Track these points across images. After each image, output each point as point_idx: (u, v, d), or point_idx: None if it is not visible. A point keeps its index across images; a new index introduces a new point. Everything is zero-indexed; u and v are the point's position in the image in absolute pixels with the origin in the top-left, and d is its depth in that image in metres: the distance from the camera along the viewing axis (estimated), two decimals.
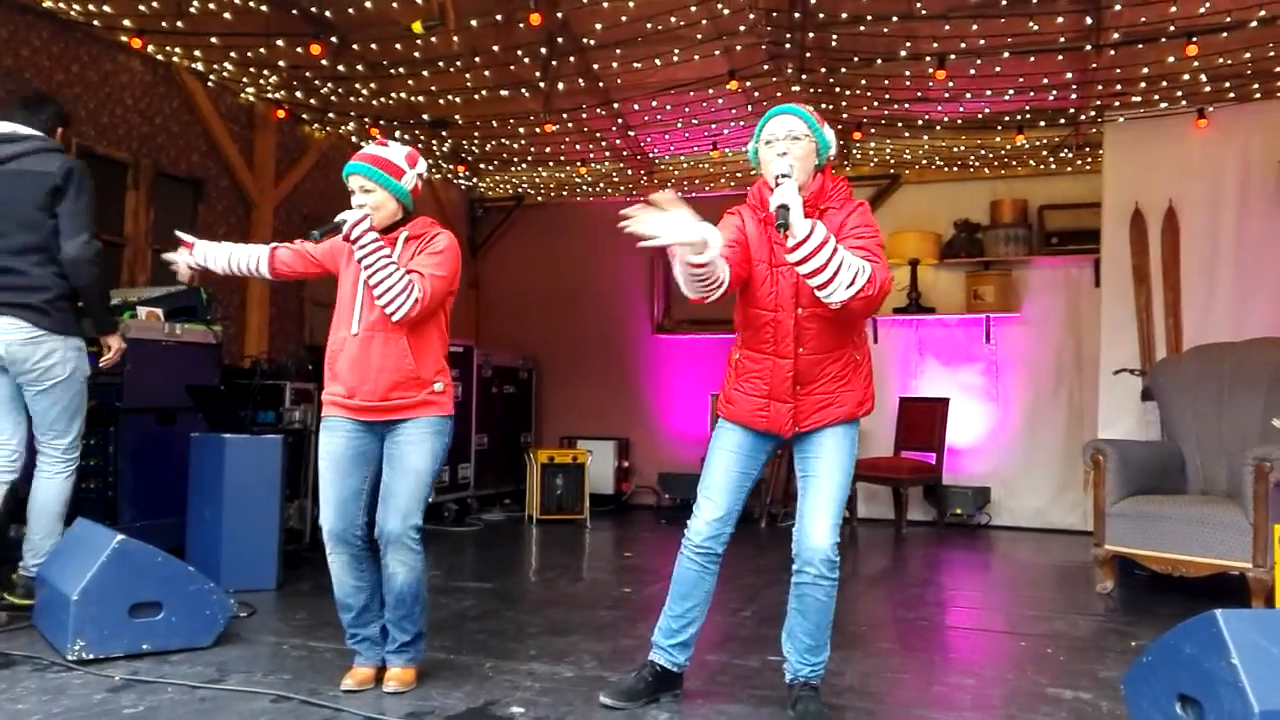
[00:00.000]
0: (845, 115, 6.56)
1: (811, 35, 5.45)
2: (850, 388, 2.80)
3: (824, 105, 6.37)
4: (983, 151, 7.04)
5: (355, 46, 5.66)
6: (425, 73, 5.94)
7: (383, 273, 2.84)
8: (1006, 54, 5.46)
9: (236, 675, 3.08)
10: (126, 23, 5.25)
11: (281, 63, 5.81)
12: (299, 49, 5.54)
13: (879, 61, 5.64)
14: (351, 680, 2.99)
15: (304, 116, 6.80)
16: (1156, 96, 5.88)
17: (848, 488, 2.78)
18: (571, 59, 5.91)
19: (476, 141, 7.32)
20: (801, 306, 2.72)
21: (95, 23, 5.25)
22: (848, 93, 6.14)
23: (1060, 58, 5.52)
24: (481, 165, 8.05)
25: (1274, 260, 5.71)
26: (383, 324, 2.92)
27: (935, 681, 3.25)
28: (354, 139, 7.17)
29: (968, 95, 6.03)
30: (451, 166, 7.99)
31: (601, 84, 6.27)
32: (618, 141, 7.19)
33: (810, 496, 2.76)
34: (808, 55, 5.67)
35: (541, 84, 6.13)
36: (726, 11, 5.27)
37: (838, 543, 2.72)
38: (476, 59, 5.78)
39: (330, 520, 2.95)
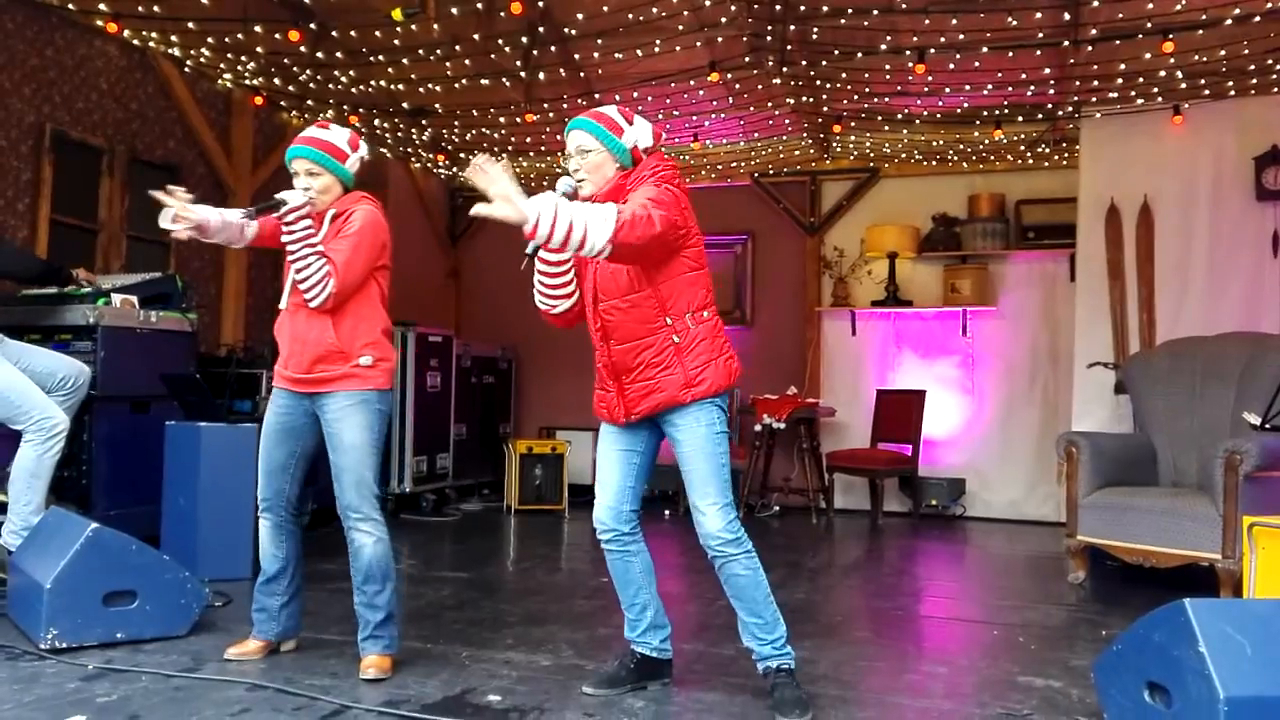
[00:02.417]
0: (825, 108, 6.58)
1: (792, 28, 5.45)
2: (671, 372, 2.77)
3: (804, 98, 6.39)
4: (961, 146, 7.08)
5: (334, 33, 5.62)
6: (405, 61, 5.90)
7: (303, 261, 2.93)
8: (985, 49, 5.48)
9: (211, 664, 3.08)
10: (102, 6, 5.18)
11: (259, 49, 5.75)
12: (277, 35, 5.49)
13: (859, 55, 5.65)
14: (235, 649, 3.12)
15: (282, 104, 6.75)
16: (1133, 93, 5.93)
17: (720, 467, 2.78)
18: (553, 49, 5.89)
19: (457, 130, 7.28)
20: (599, 300, 2.81)
21: (70, 6, 5.18)
22: (828, 86, 6.15)
23: (1038, 53, 5.55)
24: (462, 154, 8.00)
25: (1246, 256, 5.78)
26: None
27: (908, 670, 3.29)
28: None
29: (947, 90, 6.05)
30: (431, 155, 7.94)
31: (583, 74, 6.25)
32: None
33: (690, 488, 2.82)
34: (789, 48, 5.67)
35: (522, 73, 6.10)
36: (708, 3, 5.26)
37: (730, 520, 2.75)
38: (457, 47, 5.75)
39: (260, 488, 3.12)
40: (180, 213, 2.94)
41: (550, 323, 2.97)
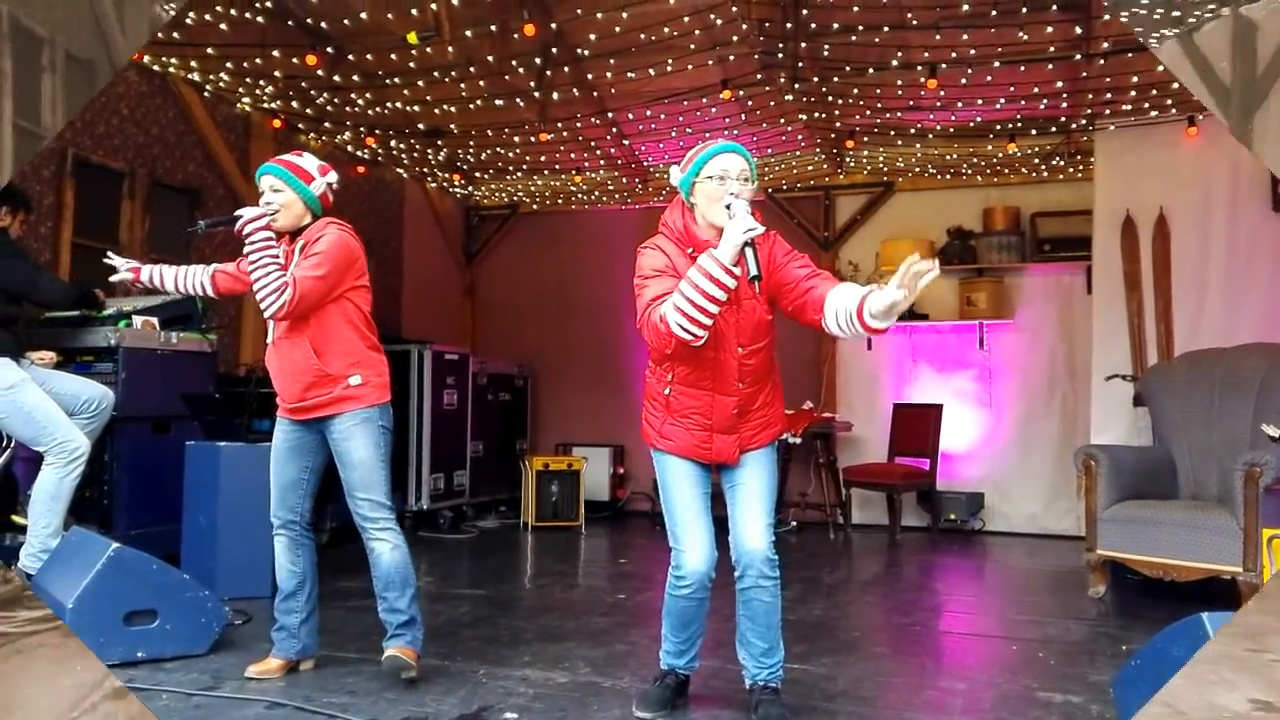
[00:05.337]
0: (838, 124, 6.60)
1: (804, 45, 5.48)
2: (776, 407, 2.93)
3: (817, 114, 6.41)
4: (975, 159, 7.08)
5: (351, 57, 5.69)
6: (421, 82, 5.97)
7: (261, 270, 2.98)
8: (997, 63, 5.49)
9: (231, 682, 3.10)
10: None
11: (277, 73, 5.83)
12: (295, 59, 5.56)
13: (871, 71, 5.68)
14: (255, 667, 3.16)
15: (300, 126, 6.82)
16: (1147, 105, 5.92)
17: (775, 490, 2.90)
18: (566, 69, 5.95)
19: (472, 150, 7.35)
20: (741, 345, 2.76)
21: None
22: (840, 102, 6.18)
23: (1051, 67, 5.56)
24: (477, 174, 8.07)
25: (1264, 267, 5.75)
26: (290, 329, 3.10)
27: (927, 686, 3.27)
28: (349, 148, 7.20)
29: (959, 104, 6.07)
30: (447, 175, 8.01)
31: (596, 93, 6.31)
32: (612, 150, 7.23)
33: (741, 503, 2.83)
34: (800, 65, 5.70)
35: (536, 93, 6.16)
36: (719, 22, 5.30)
37: (773, 542, 2.80)
38: (472, 69, 5.81)
39: (274, 506, 3.20)
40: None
41: (672, 346, 2.63)
